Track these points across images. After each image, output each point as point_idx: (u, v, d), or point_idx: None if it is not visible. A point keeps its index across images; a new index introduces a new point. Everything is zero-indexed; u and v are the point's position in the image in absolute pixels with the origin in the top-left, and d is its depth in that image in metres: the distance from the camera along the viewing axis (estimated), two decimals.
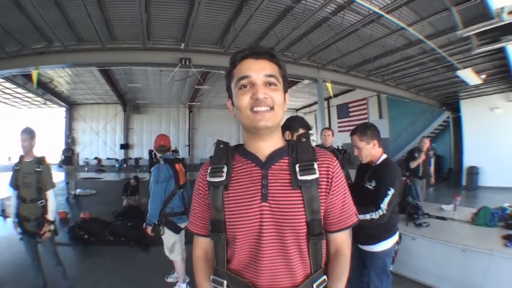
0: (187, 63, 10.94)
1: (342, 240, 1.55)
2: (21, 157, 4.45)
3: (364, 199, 3.28)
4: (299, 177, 1.39)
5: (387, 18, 8.54)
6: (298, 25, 9.17)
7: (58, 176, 18.78)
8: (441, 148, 10.60)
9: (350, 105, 25.42)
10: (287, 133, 3.72)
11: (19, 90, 20.77)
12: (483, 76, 12.75)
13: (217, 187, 1.46)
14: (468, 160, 16.89)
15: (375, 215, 3.17)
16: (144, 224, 4.85)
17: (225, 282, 1.45)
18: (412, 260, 5.22)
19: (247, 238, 1.41)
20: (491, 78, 13.56)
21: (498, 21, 7.30)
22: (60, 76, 19.15)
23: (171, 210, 4.77)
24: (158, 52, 11.14)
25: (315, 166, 1.42)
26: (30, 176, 4.33)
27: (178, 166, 4.94)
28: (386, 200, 3.17)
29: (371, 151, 3.54)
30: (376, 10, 8.12)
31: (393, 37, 10.07)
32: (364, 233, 3.42)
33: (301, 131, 3.63)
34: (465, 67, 11.83)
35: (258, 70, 1.40)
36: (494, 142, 15.61)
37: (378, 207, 3.17)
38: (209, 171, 1.52)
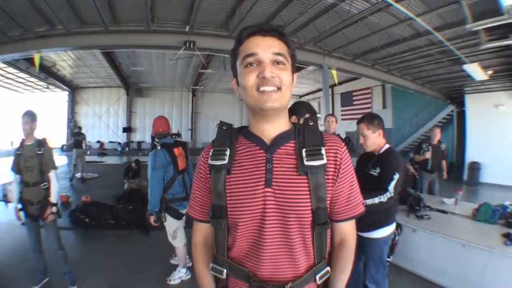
0: (192, 46, 10.86)
1: (348, 230, 1.49)
2: (22, 141, 4.42)
3: (369, 185, 3.34)
4: (306, 163, 1.32)
5: (396, 7, 8.42)
6: (305, 10, 9.10)
7: (61, 160, 18.89)
8: (444, 141, 10.54)
9: (354, 93, 25.41)
10: (293, 117, 3.70)
11: (22, 74, 20.85)
12: (490, 72, 12.67)
13: (219, 170, 1.39)
14: (471, 155, 16.83)
15: (383, 198, 3.25)
16: (146, 214, 4.75)
17: (224, 270, 1.41)
18: (411, 252, 5.26)
19: (249, 225, 1.34)
20: (497, 75, 13.46)
21: (508, 18, 7.27)
22: (63, 59, 19.20)
23: (172, 196, 4.68)
24: (162, 35, 11.06)
25: (323, 151, 1.35)
26: (31, 160, 4.30)
27: (177, 151, 4.81)
28: (393, 183, 3.28)
29: (376, 140, 3.61)
30: None
31: (401, 27, 9.98)
32: (364, 220, 3.33)
33: (307, 116, 3.67)
34: (472, 62, 11.73)
35: (266, 48, 1.31)
36: (497, 139, 15.53)
37: (385, 190, 3.27)
38: (210, 153, 1.44)
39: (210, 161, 1.43)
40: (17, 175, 4.37)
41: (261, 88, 1.29)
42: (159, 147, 4.70)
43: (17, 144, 4.40)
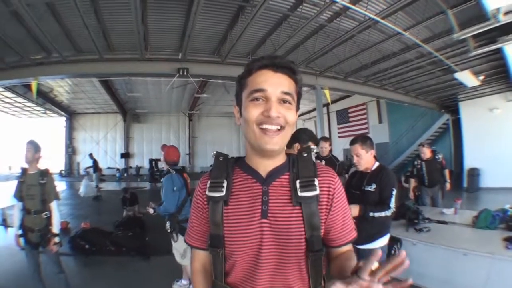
0: (185, 73, 11.01)
1: (345, 250, 1.50)
2: (25, 169, 4.51)
3: (368, 200, 3.79)
4: (299, 194, 1.35)
5: (383, 24, 8.61)
6: (294, 33, 9.24)
7: (60, 185, 18.97)
8: (441, 150, 10.54)
9: (350, 110, 25.39)
10: (296, 145, 3.82)
11: (19, 99, 20.97)
12: (481, 78, 12.79)
13: (217, 202, 1.41)
14: (469, 161, 16.90)
15: (388, 213, 3.62)
16: (152, 209, 5.03)
17: None
18: (413, 265, 4.97)
19: (246, 254, 1.36)
20: (490, 79, 13.60)
21: (494, 22, 7.37)
22: (60, 85, 19.30)
23: (184, 216, 4.85)
24: (156, 62, 11.25)
25: (316, 182, 1.38)
26: (34, 188, 4.38)
27: (186, 175, 5.13)
28: (393, 199, 3.64)
29: (368, 159, 3.89)
30: (372, 16, 8.18)
31: (390, 42, 10.12)
32: (365, 232, 3.61)
33: (310, 144, 3.78)
34: (462, 69, 11.88)
35: (276, 85, 1.31)
36: (495, 142, 15.59)
37: (388, 207, 3.62)
38: (208, 185, 1.46)
39: (208, 193, 1.44)
40: (19, 202, 4.44)
41: (264, 126, 1.30)
42: (174, 172, 4.98)
43: (16, 169, 4.53)
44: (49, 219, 4.43)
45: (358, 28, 9.08)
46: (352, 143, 3.98)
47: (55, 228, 4.45)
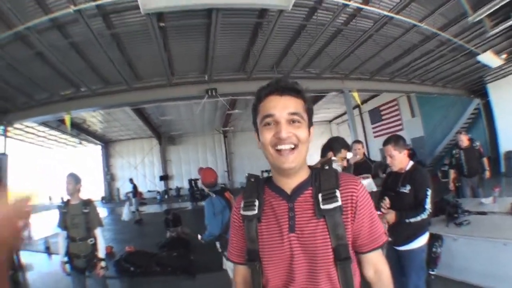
0: (214, 93, 11.19)
1: (377, 259, 1.60)
2: (68, 200, 4.78)
3: (402, 202, 3.75)
4: (322, 206, 1.44)
5: (398, 19, 8.65)
6: (314, 41, 9.30)
7: (103, 212, 19.49)
8: (476, 137, 10.10)
9: (381, 108, 24.87)
10: (330, 153, 4.09)
11: (53, 132, 21.33)
12: (504, 56, 12.58)
13: (251, 220, 1.54)
14: (504, 144, 16.43)
15: (424, 215, 3.57)
16: (199, 237, 5.12)
17: None
18: (455, 261, 5.14)
19: (279, 266, 1.48)
20: None
21: None
22: (92, 116, 19.58)
23: None
24: (184, 86, 11.48)
25: (337, 193, 1.46)
26: (77, 217, 4.65)
27: (227, 195, 5.16)
28: (428, 200, 3.60)
29: (402, 160, 3.87)
30: (386, 13, 8.27)
31: (409, 35, 10.03)
32: (402, 234, 3.76)
33: (343, 151, 4.10)
34: (484, 51, 11.72)
35: (282, 108, 1.43)
36: None
37: (424, 209, 3.58)
38: (242, 205, 1.60)
39: (242, 212, 1.58)
40: (63, 231, 4.71)
41: (278, 147, 1.42)
42: (213, 195, 5.07)
43: (57, 200, 4.83)
44: (94, 245, 4.71)
45: (375, 27, 9.09)
46: (385, 144, 4.00)
47: (101, 253, 4.73)
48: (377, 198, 4.53)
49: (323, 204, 1.44)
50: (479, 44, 11.38)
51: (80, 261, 4.66)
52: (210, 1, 6.37)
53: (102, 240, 4.83)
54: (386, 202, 3.83)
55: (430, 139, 21.48)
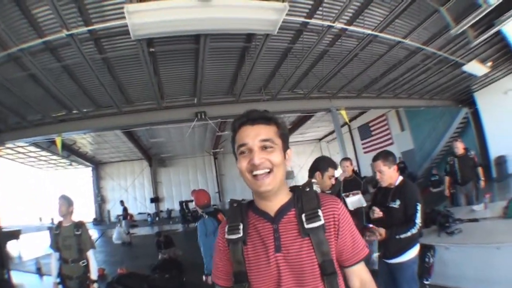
0: (203, 116, 11.28)
1: (361, 271, 1.69)
2: (60, 222, 4.89)
3: (392, 218, 3.81)
4: (306, 226, 1.52)
5: (382, 37, 8.79)
6: (300, 63, 9.41)
7: (94, 233, 19.37)
8: (467, 145, 10.15)
9: (371, 124, 25.01)
10: (318, 173, 4.13)
11: (44, 153, 21.33)
12: (489, 64, 12.68)
13: (236, 243, 1.61)
14: (494, 150, 16.56)
15: (414, 230, 3.61)
16: (203, 277, 5.23)
17: None
18: (449, 269, 5.22)
19: (268, 285, 1.54)
20: (498, 62, 13.39)
21: (486, 7, 7.37)
22: (82, 137, 19.51)
23: None
24: (174, 110, 11.53)
25: (320, 213, 1.55)
26: (69, 239, 4.74)
27: (220, 216, 5.23)
28: (418, 215, 3.65)
29: (392, 175, 3.91)
30: (370, 32, 8.39)
31: (394, 52, 10.12)
32: (393, 247, 3.83)
33: (330, 170, 4.12)
34: (469, 61, 11.80)
35: (254, 137, 1.53)
36: None
37: (414, 224, 3.62)
38: (226, 229, 1.65)
39: (227, 236, 1.64)
40: (55, 252, 4.80)
41: (254, 172, 1.51)
42: (206, 216, 5.17)
43: (46, 221, 4.86)
44: (86, 266, 4.79)
45: (360, 46, 9.18)
46: (374, 160, 4.05)
47: (93, 275, 4.84)
48: (367, 213, 4.62)
49: (307, 224, 1.52)
50: (464, 54, 11.52)
51: (72, 282, 4.73)
52: (198, 27, 6.46)
53: (94, 262, 4.93)
54: (377, 210, 3.91)
55: (420, 152, 21.68)
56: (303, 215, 1.55)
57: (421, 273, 4.48)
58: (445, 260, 5.22)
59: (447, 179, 8.80)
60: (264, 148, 1.53)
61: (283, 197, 1.63)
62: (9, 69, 7.82)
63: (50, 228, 4.70)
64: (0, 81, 8.14)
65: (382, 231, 3.76)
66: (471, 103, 18.23)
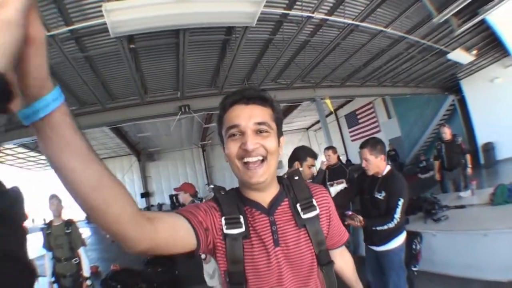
0: (187, 109, 11.29)
1: (344, 251, 1.85)
2: (50, 221, 4.95)
3: (376, 208, 3.79)
4: (303, 216, 1.42)
5: (363, 26, 8.80)
6: (281, 54, 9.41)
7: (86, 231, 19.30)
8: (454, 132, 10.16)
9: (357, 112, 25.06)
10: (296, 163, 4.12)
11: (32, 153, 21.24)
12: (474, 52, 12.81)
13: (235, 239, 1.37)
14: (481, 137, 16.74)
15: (391, 225, 3.57)
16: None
17: None
18: (436, 256, 5.23)
19: (268, 283, 1.36)
20: (484, 51, 13.52)
21: None
22: None
23: None
24: (158, 104, 11.54)
25: (314, 202, 1.48)
26: (61, 238, 4.81)
27: None
28: (398, 210, 3.55)
29: (378, 164, 3.81)
30: (351, 21, 8.38)
31: (376, 40, 10.14)
32: (378, 235, 3.82)
33: (309, 160, 4.11)
34: (453, 49, 11.87)
35: (248, 118, 1.35)
36: (502, 112, 15.34)
37: (392, 218, 3.55)
38: (223, 222, 1.39)
39: (225, 230, 1.38)
40: (48, 251, 4.89)
41: (245, 159, 1.33)
42: (197, 201, 5.30)
43: (38, 222, 4.92)
44: (79, 264, 4.86)
45: (341, 35, 9.20)
46: (361, 147, 3.91)
47: (86, 272, 4.92)
48: (345, 196, 4.62)
49: (303, 214, 1.43)
50: (448, 42, 11.58)
51: (66, 280, 4.82)
52: (176, 22, 6.44)
53: (86, 259, 5.00)
54: (360, 218, 3.80)
55: (407, 139, 21.83)
56: (297, 205, 1.45)
57: (409, 260, 4.42)
58: (433, 246, 5.25)
59: (436, 163, 8.82)
60: (258, 132, 1.35)
61: (275, 187, 1.50)
62: None
63: (42, 229, 4.73)
64: None
65: (361, 218, 3.74)
66: (458, 91, 18.37)
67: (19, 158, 21.97)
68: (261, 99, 1.41)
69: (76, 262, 4.88)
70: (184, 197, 5.75)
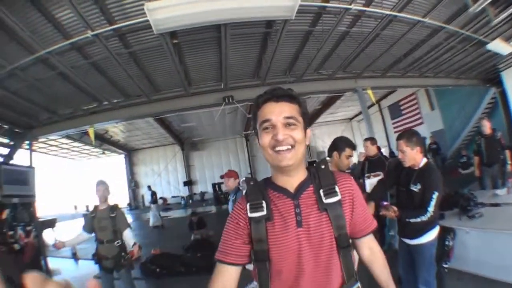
0: (231, 100, 11.48)
1: (371, 241, 1.85)
2: (96, 206, 5.25)
3: (412, 201, 3.87)
4: (324, 201, 1.60)
5: (401, 16, 8.77)
6: (322, 45, 9.46)
7: (128, 218, 20.06)
8: (495, 126, 9.74)
9: (401, 103, 24.46)
10: (335, 153, 4.30)
11: (76, 144, 21.89)
12: None
13: (259, 221, 1.62)
14: None
15: (424, 218, 3.65)
16: None
17: None
18: (469, 253, 5.22)
19: (289, 261, 1.59)
20: None
21: None
22: (114, 126, 19.85)
23: None
24: (201, 95, 11.78)
25: (337, 189, 1.64)
26: (105, 221, 5.09)
27: None
28: (432, 203, 3.64)
29: (415, 156, 3.92)
30: (388, 12, 8.41)
31: (415, 30, 10.00)
32: (410, 229, 3.91)
33: (347, 150, 4.25)
34: (493, 39, 11.49)
35: (278, 113, 1.59)
36: None
37: (426, 211, 3.63)
38: (248, 207, 1.67)
39: (249, 214, 1.65)
40: (88, 234, 5.23)
41: (277, 148, 1.57)
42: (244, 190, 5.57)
43: (81, 209, 5.24)
44: (121, 246, 5.10)
45: (380, 26, 9.18)
46: (398, 138, 4.02)
47: (131, 241, 5.15)
48: (380, 188, 4.74)
49: (325, 199, 1.62)
50: (487, 32, 11.28)
51: (108, 262, 5.07)
52: (217, 17, 6.64)
53: (132, 237, 5.24)
54: (394, 209, 3.90)
55: (449, 132, 21.22)
56: (321, 191, 1.64)
57: (441, 255, 4.57)
58: (465, 244, 5.26)
59: (476, 159, 8.72)
60: (287, 125, 1.60)
61: (302, 174, 1.71)
62: (37, 70, 8.19)
63: (84, 215, 5.11)
64: (29, 81, 8.53)
65: (395, 209, 3.84)
66: (499, 83, 17.72)
67: (63, 148, 22.61)
68: (289, 97, 1.66)
69: (118, 244, 5.10)
70: (230, 184, 5.95)
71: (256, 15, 6.97)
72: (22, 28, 6.27)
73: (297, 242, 1.58)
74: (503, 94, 17.59)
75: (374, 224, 1.83)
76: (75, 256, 10.86)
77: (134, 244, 5.14)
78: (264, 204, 1.65)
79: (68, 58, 7.95)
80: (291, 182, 1.69)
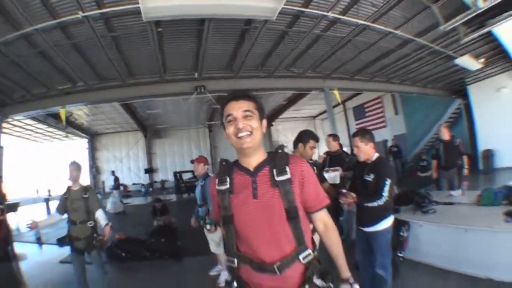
0: (203, 90, 11.76)
1: (324, 216, 2.17)
2: (68, 187, 5.27)
3: (366, 189, 4.25)
4: (276, 178, 1.97)
5: (374, 27, 9.20)
6: (296, 46, 9.85)
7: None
8: (457, 136, 10.12)
9: (366, 105, 25.01)
10: (300, 144, 4.66)
11: (40, 125, 21.33)
12: (482, 60, 12.93)
13: (224, 193, 2.05)
14: (483, 143, 16.84)
15: (380, 202, 4.00)
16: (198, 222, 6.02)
17: (235, 260, 2.06)
18: (421, 245, 5.61)
19: (247, 225, 1.99)
20: (493, 59, 13.57)
21: (475, 9, 7.68)
22: (79, 109, 19.48)
23: None
24: (175, 83, 12.00)
25: (287, 169, 1.99)
26: (77, 202, 5.11)
27: None
28: (386, 188, 4.01)
29: (368, 151, 4.34)
30: (362, 22, 8.82)
31: (387, 40, 10.42)
32: (367, 217, 4.29)
33: (311, 142, 4.64)
34: (462, 55, 12.05)
35: (238, 108, 2.00)
36: (506, 122, 15.45)
37: (381, 196, 3.99)
38: (216, 182, 2.11)
39: (217, 187, 2.10)
40: (61, 215, 5.23)
41: (239, 134, 1.97)
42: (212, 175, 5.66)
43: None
44: (93, 227, 5.16)
45: (353, 33, 9.57)
46: (353, 136, 4.45)
47: (104, 221, 5.23)
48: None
49: (277, 177, 1.98)
50: (456, 48, 11.78)
51: (80, 243, 5.07)
52: (203, 12, 6.99)
53: (104, 217, 5.29)
54: (352, 195, 4.25)
55: (411, 137, 21.81)
56: (274, 170, 2.00)
57: (396, 245, 4.94)
58: (419, 236, 5.66)
59: (434, 162, 9.12)
60: (246, 116, 2.00)
61: (260, 156, 2.10)
62: (20, 46, 8.21)
63: (62, 195, 5.11)
64: (10, 57, 8.54)
65: (354, 195, 4.20)
66: (465, 95, 18.40)
67: (26, 129, 22.01)
68: (246, 96, 2.10)
69: (91, 225, 5.13)
70: (199, 169, 6.17)
71: (241, 13, 7.32)
72: (16, 5, 6.39)
73: (253, 210, 1.97)
74: (468, 106, 18.28)
75: (326, 201, 2.17)
76: (39, 241, 10.77)
77: (106, 224, 5.23)
78: (227, 180, 2.07)
79: (53, 36, 8.01)
80: (251, 162, 2.08)
